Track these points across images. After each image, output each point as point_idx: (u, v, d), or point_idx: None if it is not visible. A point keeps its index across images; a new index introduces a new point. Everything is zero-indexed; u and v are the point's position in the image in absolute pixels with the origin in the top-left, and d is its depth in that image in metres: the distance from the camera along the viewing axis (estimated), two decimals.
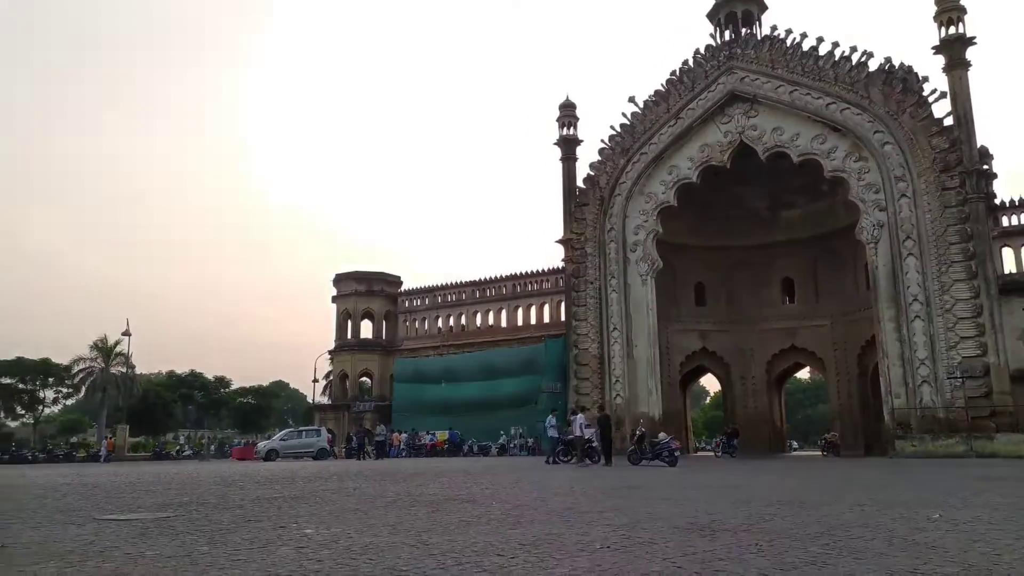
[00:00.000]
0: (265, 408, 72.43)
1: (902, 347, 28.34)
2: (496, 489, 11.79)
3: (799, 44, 31.77)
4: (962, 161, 28.18)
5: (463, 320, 50.80)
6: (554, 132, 41.36)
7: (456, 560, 4.97)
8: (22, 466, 34.40)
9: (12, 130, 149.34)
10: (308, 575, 4.45)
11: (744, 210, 36.85)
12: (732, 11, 34.35)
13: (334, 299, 54.20)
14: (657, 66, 56.58)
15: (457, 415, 41.79)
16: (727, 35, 34.19)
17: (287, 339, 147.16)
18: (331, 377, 57.65)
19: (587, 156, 41.29)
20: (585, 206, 35.77)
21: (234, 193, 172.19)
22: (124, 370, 55.36)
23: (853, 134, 30.25)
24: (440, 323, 51.71)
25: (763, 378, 38.81)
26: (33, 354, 56.20)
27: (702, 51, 34.20)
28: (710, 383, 78.20)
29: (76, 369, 55.95)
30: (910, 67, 29.77)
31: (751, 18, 34.45)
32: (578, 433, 22.01)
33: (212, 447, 54.45)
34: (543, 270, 47.55)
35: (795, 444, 62.41)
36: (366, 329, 53.87)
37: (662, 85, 34.73)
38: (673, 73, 34.64)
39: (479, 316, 50.13)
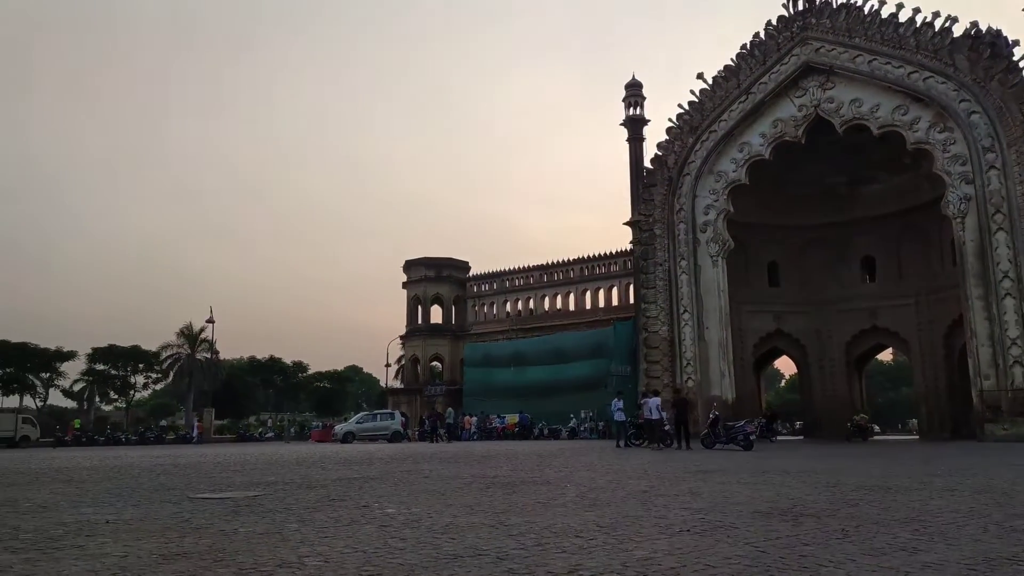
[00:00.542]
0: (340, 392, 74.47)
1: (991, 326, 26.97)
2: (569, 472, 11.84)
3: (877, 11, 30.36)
4: None
5: (531, 304, 50.98)
6: (621, 112, 40.91)
7: (535, 540, 5.03)
8: (117, 448, 36.39)
9: (105, 125, 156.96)
10: (394, 553, 4.57)
11: (820, 186, 35.61)
12: None
13: (404, 285, 55.18)
14: (726, 40, 55.03)
15: (526, 399, 42.04)
16: (800, 4, 32.89)
17: (361, 325, 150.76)
18: (403, 361, 58.82)
19: (655, 136, 40.63)
20: (653, 187, 35.21)
21: (312, 183, 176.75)
22: (208, 356, 57.80)
23: (937, 104, 28.79)
24: (508, 307, 52.01)
25: (842, 360, 37.56)
26: (124, 342, 59.21)
27: (774, 22, 33.05)
28: (785, 365, 76.30)
29: (164, 355, 58.72)
30: (998, 31, 28.10)
31: None
32: (655, 416, 21.82)
33: (292, 429, 56.41)
34: (611, 253, 47.21)
35: (876, 428, 60.42)
36: (436, 314, 54.70)
37: (732, 60, 33.78)
38: (743, 47, 33.62)
39: (547, 300, 50.20)
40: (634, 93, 41.07)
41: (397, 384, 59.54)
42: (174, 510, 6.95)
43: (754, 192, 33.84)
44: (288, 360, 70.14)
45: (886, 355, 61.62)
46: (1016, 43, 27.66)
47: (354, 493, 8.49)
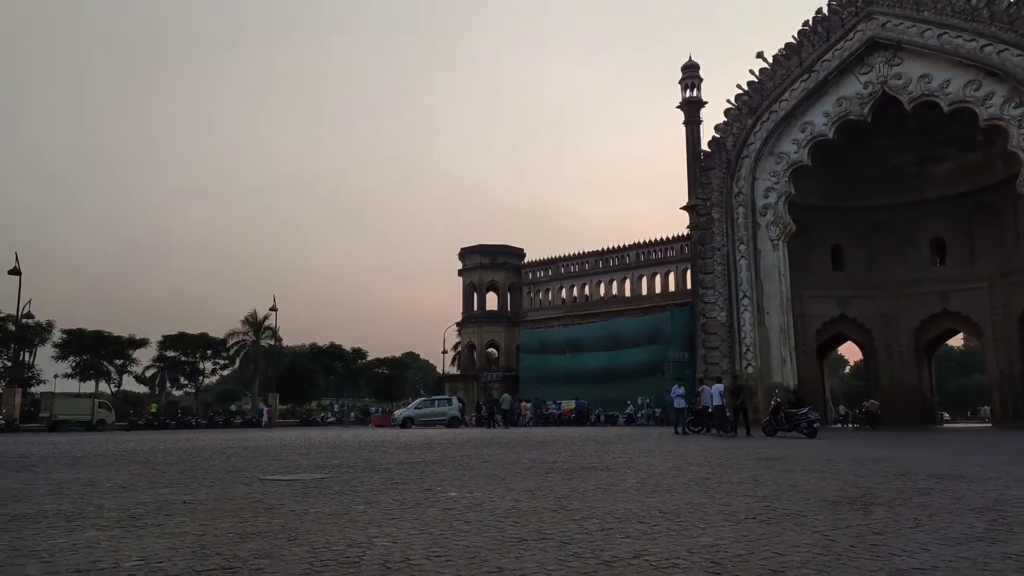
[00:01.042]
0: (398, 378, 75.57)
1: None
2: (628, 458, 11.80)
3: None
4: None
5: (586, 290, 50.79)
6: (677, 95, 40.21)
7: (599, 525, 5.04)
8: (187, 431, 37.81)
9: (171, 123, 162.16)
10: (459, 535, 4.65)
11: (886, 166, 34.41)
12: None
13: (460, 272, 55.64)
14: (788, 18, 53.46)
15: (582, 385, 41.98)
16: None
17: (417, 312, 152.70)
18: (459, 348, 59.40)
19: (712, 119, 39.85)
20: (711, 170, 34.58)
21: (370, 174, 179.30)
22: (272, 343, 59.43)
23: (1013, 78, 27.45)
24: (563, 294, 51.93)
25: (910, 346, 36.36)
26: (193, 329, 61.22)
27: None
28: (850, 352, 74.35)
29: (230, 342, 60.58)
30: None
31: None
32: (717, 403, 21.57)
33: (352, 415, 57.63)
34: (667, 238, 46.64)
35: (946, 416, 58.43)
36: (491, 301, 55.03)
37: (793, 37, 32.85)
38: (805, 23, 32.63)
39: (602, 286, 49.94)
40: (691, 75, 40.26)
41: (453, 370, 60.19)
42: (246, 491, 7.19)
43: (817, 174, 32.94)
44: (348, 347, 71.55)
45: (957, 340, 59.48)
46: None
47: (416, 477, 8.64)
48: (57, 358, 56.96)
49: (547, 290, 53.15)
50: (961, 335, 42.86)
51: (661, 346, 38.34)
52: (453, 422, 36.96)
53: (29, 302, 43.84)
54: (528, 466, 10.11)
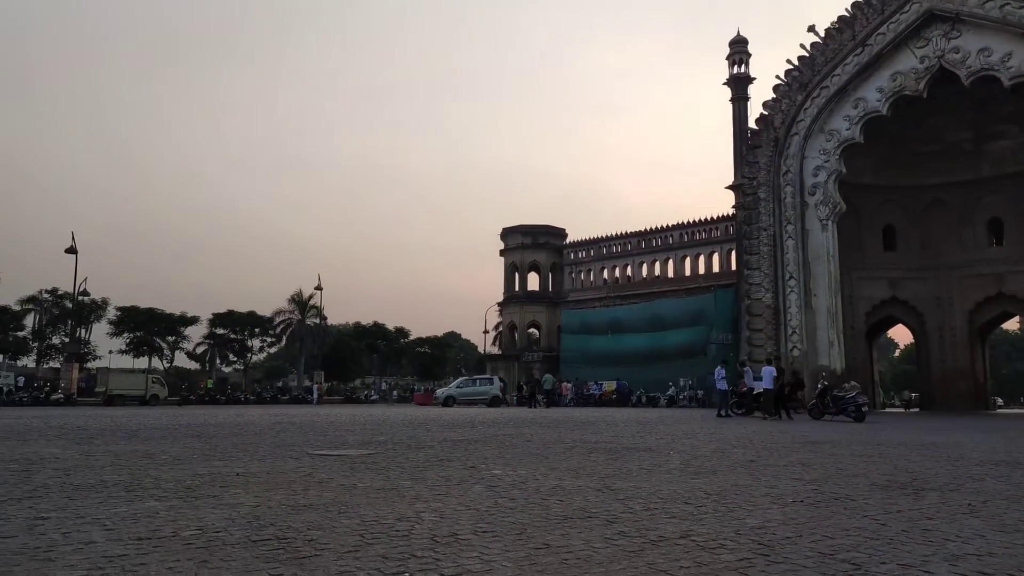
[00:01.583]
0: (440, 357, 76.26)
1: None
2: (671, 439, 11.76)
3: None
4: None
5: (628, 271, 50.41)
6: (724, 71, 39.42)
7: (643, 505, 5.05)
8: (236, 406, 38.78)
9: (232, 109, 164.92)
10: (504, 512, 4.70)
11: (942, 144, 33.27)
12: None
13: (502, 252, 55.66)
14: None
15: (624, 366, 41.80)
16: None
17: (459, 292, 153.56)
18: (500, 328, 59.63)
19: (760, 95, 38.94)
20: (758, 148, 33.84)
21: (412, 154, 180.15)
22: (317, 321, 60.48)
23: None
24: (605, 274, 51.63)
25: (963, 329, 35.27)
26: (242, 308, 62.58)
27: None
28: (899, 334, 72.63)
29: (277, 320, 61.88)
30: None
31: None
32: (767, 385, 21.27)
33: (395, 393, 58.47)
34: (712, 218, 45.95)
35: (1000, 401, 56.77)
36: (533, 281, 54.99)
37: (847, 10, 31.80)
38: None
39: (645, 267, 49.49)
40: (739, 50, 39.38)
41: (495, 350, 60.48)
42: (296, 465, 7.38)
43: (869, 151, 32.01)
44: (391, 326, 72.40)
45: (1012, 324, 57.58)
46: None
47: (460, 454, 8.74)
48: (112, 335, 58.94)
49: (589, 270, 52.90)
50: (1017, 319, 41.40)
51: (704, 328, 37.91)
52: (494, 401, 37.23)
53: (85, 280, 45.36)
54: (571, 446, 10.15)
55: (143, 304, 59.52)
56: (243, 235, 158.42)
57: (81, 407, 33.60)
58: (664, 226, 48.51)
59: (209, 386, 49.62)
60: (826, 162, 31.97)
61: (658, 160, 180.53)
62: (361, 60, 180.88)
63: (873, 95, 31.08)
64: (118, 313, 58.47)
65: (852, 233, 33.95)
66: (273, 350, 70.21)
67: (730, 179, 38.15)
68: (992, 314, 35.94)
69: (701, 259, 46.76)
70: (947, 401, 33.75)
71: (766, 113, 33.73)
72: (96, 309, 58.03)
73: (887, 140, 32.02)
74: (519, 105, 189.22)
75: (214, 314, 61.78)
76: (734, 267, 38.55)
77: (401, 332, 73.01)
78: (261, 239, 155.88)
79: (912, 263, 35.44)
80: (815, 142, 32.27)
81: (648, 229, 49.38)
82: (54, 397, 38.12)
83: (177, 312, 60.73)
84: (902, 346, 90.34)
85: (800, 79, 32.70)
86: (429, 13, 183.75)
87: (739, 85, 38.65)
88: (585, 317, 48.49)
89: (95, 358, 59.81)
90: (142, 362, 61.94)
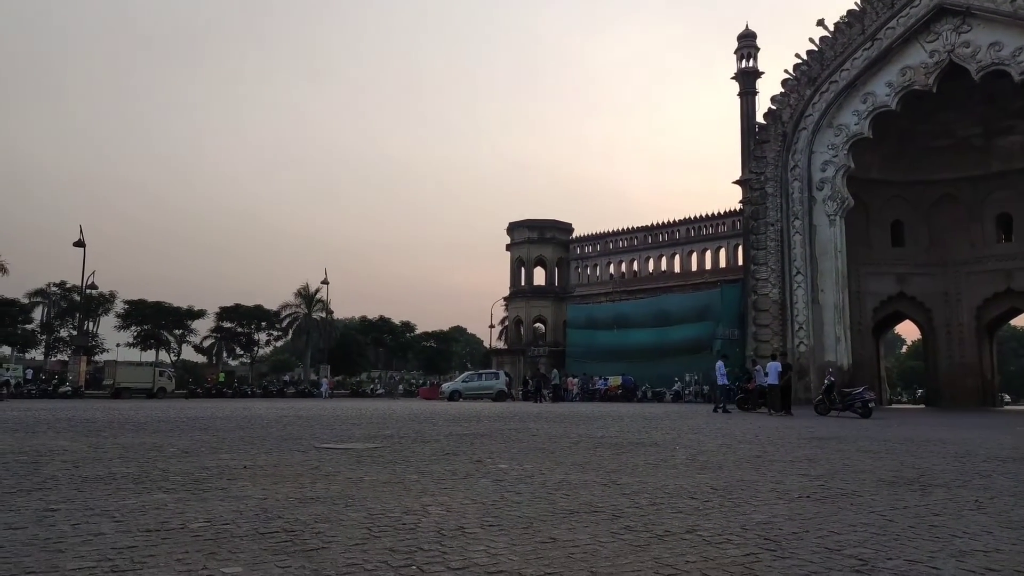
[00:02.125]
0: (445, 352, 76.34)
1: None
2: (677, 434, 11.76)
3: None
4: None
5: (635, 266, 50.31)
6: (732, 65, 39.24)
7: (649, 500, 5.05)
8: (243, 400, 38.92)
9: (234, 102, 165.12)
10: (511, 506, 4.71)
11: (951, 139, 33.10)
12: None
13: (508, 247, 55.62)
14: None
15: (629, 361, 41.77)
16: None
17: (465, 286, 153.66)
18: (506, 323, 59.65)
19: (768, 90, 38.78)
20: (765, 143, 33.73)
21: (419, 148, 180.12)
22: (324, 315, 60.59)
23: None
24: (612, 269, 51.55)
25: (971, 325, 35.16)
26: (248, 301, 62.79)
27: None
28: (907, 330, 72.40)
29: (284, 314, 62.04)
30: None
31: None
32: (772, 381, 21.18)
33: (401, 387, 58.60)
34: (718, 213, 45.79)
35: (1007, 398, 56.59)
36: (539, 276, 54.94)
37: (856, 4, 31.65)
38: None
39: (651, 262, 49.39)
40: (747, 44, 39.14)
41: (500, 345, 60.50)
42: (303, 458, 7.40)
43: (877, 146, 31.88)
44: (397, 320, 72.49)
45: (1021, 320, 57.26)
46: None
47: (466, 448, 8.76)
48: (119, 328, 59.19)
49: (595, 265, 52.83)
50: None
51: (710, 323, 37.85)
52: (500, 396, 37.26)
53: (93, 273, 45.45)
54: (576, 440, 10.16)
55: (151, 297, 59.79)
56: (250, 229, 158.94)
57: (88, 399, 33.78)
58: (670, 221, 48.38)
59: (222, 379, 49.70)
60: (834, 157, 31.85)
61: (665, 155, 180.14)
62: (366, 57, 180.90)
63: (882, 90, 30.93)
64: (126, 306, 58.73)
65: (860, 228, 33.84)
66: (279, 344, 70.44)
67: (737, 174, 38.00)
68: (1000, 310, 35.81)
69: (708, 254, 46.64)
70: (954, 397, 33.64)
71: (774, 108, 33.62)
72: (104, 302, 58.28)
73: (896, 135, 31.86)
74: (527, 100, 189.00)
75: (221, 308, 61.99)
76: (741, 262, 38.44)
77: (407, 326, 73.10)
78: (268, 233, 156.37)
79: (920, 259, 35.31)
80: (823, 137, 32.14)
81: (654, 224, 49.26)
82: (62, 390, 38.33)
83: (184, 306, 60.98)
84: (909, 342, 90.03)
85: (809, 73, 32.56)
86: (436, 10, 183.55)
87: (747, 79, 38.46)
88: (591, 312, 48.45)
89: (103, 351, 60.13)
90: (149, 355, 62.25)
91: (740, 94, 38.53)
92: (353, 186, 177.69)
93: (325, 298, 58.96)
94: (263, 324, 63.08)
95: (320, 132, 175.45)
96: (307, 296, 60.65)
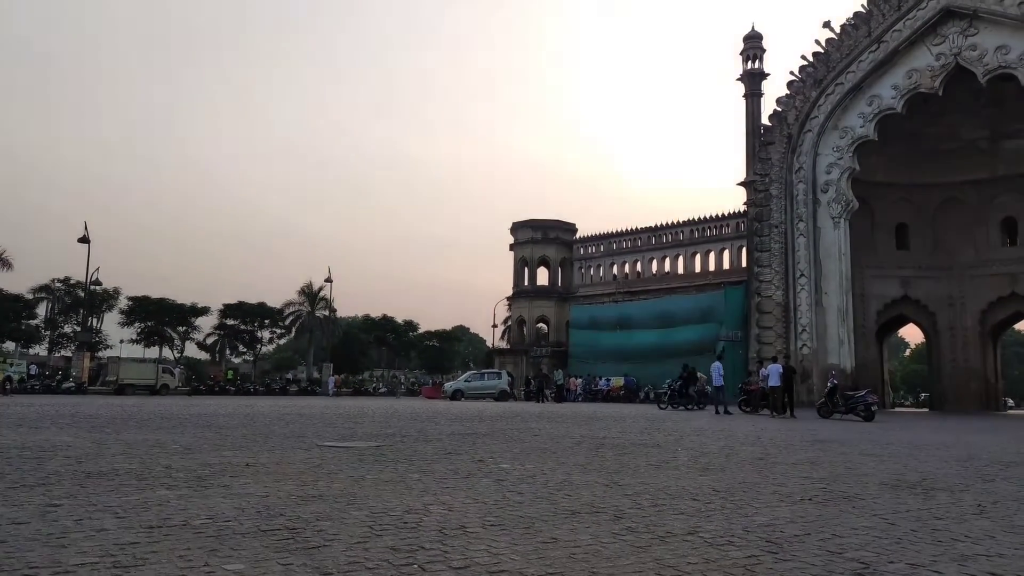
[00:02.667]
0: (448, 351, 76.28)
1: None
2: (679, 436, 11.75)
3: None
4: None
5: (639, 267, 50.26)
6: (738, 66, 39.19)
7: (651, 501, 5.04)
8: (246, 397, 38.97)
9: (238, 100, 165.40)
10: (512, 506, 4.71)
11: (957, 142, 33.02)
12: None
13: (511, 247, 55.60)
14: None
15: (632, 362, 41.74)
16: None
17: (468, 286, 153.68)
18: (509, 323, 59.62)
19: (774, 92, 38.74)
20: (770, 145, 33.69)
21: (423, 148, 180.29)
22: (327, 313, 60.63)
23: None
24: (615, 270, 51.51)
25: (975, 329, 35.07)
26: (252, 299, 62.77)
27: None
28: (910, 334, 72.23)
29: (287, 312, 62.06)
30: None
31: None
32: (774, 383, 21.18)
33: (403, 386, 58.63)
34: (723, 215, 45.73)
35: (1010, 402, 56.43)
36: (542, 276, 54.92)
37: (862, 6, 31.59)
38: None
39: (655, 263, 49.34)
40: (753, 46, 39.13)
41: (503, 345, 60.47)
42: (305, 456, 7.41)
43: (883, 149, 31.83)
44: (400, 319, 72.49)
45: None
46: None
47: (468, 448, 8.76)
48: (123, 324, 59.26)
49: (598, 266, 52.79)
50: None
51: (714, 325, 37.80)
52: (502, 395, 37.28)
53: (97, 270, 45.56)
54: (578, 441, 10.16)
55: (154, 294, 59.82)
56: (254, 227, 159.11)
57: (92, 396, 33.85)
58: (674, 222, 48.31)
59: (229, 376, 49.67)
60: (839, 159, 31.80)
61: (669, 155, 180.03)
62: (371, 56, 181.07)
63: (888, 92, 30.88)
64: (129, 303, 58.78)
65: (864, 231, 33.79)
66: (283, 341, 70.44)
67: (742, 175, 37.98)
68: (1005, 314, 35.73)
69: (711, 256, 46.58)
70: (957, 401, 33.56)
71: (779, 110, 33.58)
72: (108, 299, 58.37)
73: (901, 138, 31.80)
74: (532, 100, 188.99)
75: (224, 305, 61.98)
76: (744, 264, 38.40)
77: (410, 325, 73.07)
78: (272, 231, 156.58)
79: (924, 262, 35.24)
80: (828, 139, 32.10)
81: (658, 225, 49.20)
82: (65, 386, 38.42)
83: (188, 302, 60.99)
84: (913, 345, 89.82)
85: (814, 75, 32.52)
86: (441, 9, 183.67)
87: (753, 81, 38.44)
88: (594, 313, 48.42)
89: (106, 347, 60.20)
90: (153, 352, 62.32)
91: (745, 95, 38.53)
92: (358, 185, 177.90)
93: (328, 296, 59.07)
94: (266, 322, 63.04)
95: (327, 131, 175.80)
96: (311, 294, 60.71)
